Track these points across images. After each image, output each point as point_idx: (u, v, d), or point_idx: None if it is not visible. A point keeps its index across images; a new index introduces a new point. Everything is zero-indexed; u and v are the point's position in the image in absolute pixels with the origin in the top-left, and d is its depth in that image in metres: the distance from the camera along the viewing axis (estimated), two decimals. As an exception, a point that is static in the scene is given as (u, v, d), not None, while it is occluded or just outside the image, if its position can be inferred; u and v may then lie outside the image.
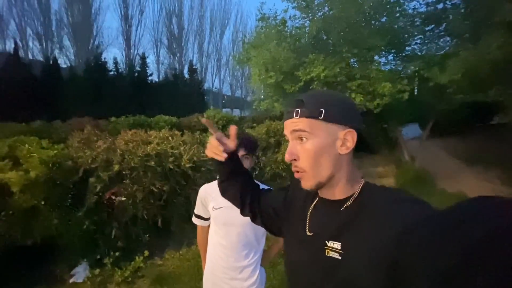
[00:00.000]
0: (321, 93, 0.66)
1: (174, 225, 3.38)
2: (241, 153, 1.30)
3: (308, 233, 0.67)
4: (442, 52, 5.51)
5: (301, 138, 0.62)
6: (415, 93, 6.50)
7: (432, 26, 5.81)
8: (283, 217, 0.80)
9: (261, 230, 1.38)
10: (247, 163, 1.33)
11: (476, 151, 6.92)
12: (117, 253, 3.02)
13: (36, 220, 2.71)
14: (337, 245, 0.58)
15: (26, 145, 2.90)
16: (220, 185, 0.92)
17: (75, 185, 2.99)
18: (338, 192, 0.65)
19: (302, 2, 5.67)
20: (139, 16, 23.43)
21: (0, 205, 2.59)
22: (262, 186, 1.34)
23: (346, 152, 0.62)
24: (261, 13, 6.02)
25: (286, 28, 5.94)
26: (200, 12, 26.60)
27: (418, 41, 6.10)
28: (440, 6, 5.60)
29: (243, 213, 0.91)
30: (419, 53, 5.91)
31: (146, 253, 3.18)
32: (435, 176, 6.23)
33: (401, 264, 0.43)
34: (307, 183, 0.64)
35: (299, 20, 6.02)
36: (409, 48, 6.15)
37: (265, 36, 5.87)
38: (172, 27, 25.04)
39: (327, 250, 0.59)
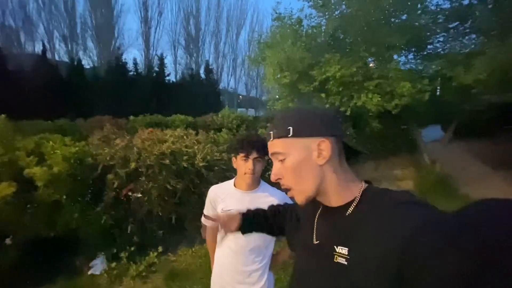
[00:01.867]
0: (289, 111, 0.68)
1: (188, 223, 3.44)
2: (253, 155, 1.27)
3: (315, 241, 0.67)
4: (467, 50, 5.26)
5: (279, 160, 0.65)
6: (438, 93, 6.23)
7: (457, 23, 5.55)
8: (294, 226, 0.84)
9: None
10: (259, 166, 1.30)
11: (503, 155, 6.51)
12: (132, 248, 3.12)
13: (58, 214, 2.85)
14: (345, 250, 0.57)
15: (51, 142, 3.05)
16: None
17: (95, 181, 3.11)
18: (334, 199, 0.64)
19: (319, 1, 5.60)
20: (158, 18, 24.10)
21: (27, 198, 2.75)
22: (281, 197, 1.34)
23: (324, 162, 0.62)
24: (276, 13, 6.00)
25: (302, 27, 5.89)
26: (217, 13, 26.94)
27: (441, 39, 5.85)
28: (466, 1, 5.35)
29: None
30: (441, 52, 5.68)
31: (160, 249, 3.25)
32: (458, 180, 5.93)
33: (408, 270, 0.42)
34: (297, 199, 0.66)
35: (315, 19, 5.95)
36: (431, 46, 5.92)
37: (280, 36, 5.85)
38: (189, 28, 25.52)
39: (336, 256, 0.59)
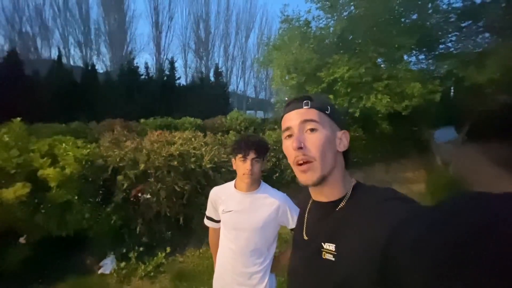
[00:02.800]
0: (324, 96, 0.70)
1: (195, 224, 3.47)
2: (251, 156, 1.27)
3: (305, 237, 0.68)
4: (480, 49, 5.11)
5: (310, 129, 0.64)
6: (451, 94, 6.08)
7: (469, 22, 5.41)
8: None
9: (272, 237, 1.35)
10: (257, 167, 1.30)
11: (519, 157, 6.27)
12: (141, 248, 3.17)
13: (70, 214, 2.93)
14: (332, 246, 0.58)
15: (63, 144, 3.15)
16: None
17: (105, 182, 3.19)
18: (333, 192, 0.65)
19: (326, 2, 5.57)
20: (168, 23, 24.52)
21: (40, 198, 2.84)
22: (281, 198, 1.33)
23: (342, 149, 0.66)
24: (284, 15, 6.01)
25: (310, 29, 5.87)
26: (226, 16, 27.18)
27: (453, 39, 5.71)
28: (479, 0, 5.20)
29: None
30: (453, 51, 5.54)
31: (168, 249, 3.29)
32: (471, 183, 5.74)
33: (391, 262, 0.43)
34: (313, 175, 0.62)
35: (323, 21, 5.93)
36: (443, 46, 5.78)
37: (288, 38, 5.85)
38: (199, 31, 25.85)
39: (323, 252, 0.60)
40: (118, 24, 22.65)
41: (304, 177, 0.63)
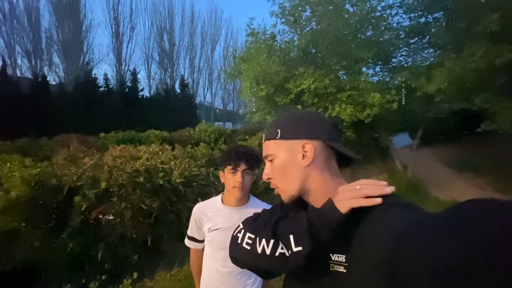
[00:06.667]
0: (282, 115, 0.73)
1: (165, 244, 3.24)
2: (241, 167, 1.20)
3: None
4: (427, 63, 5.69)
5: (269, 161, 0.70)
6: (403, 103, 6.64)
7: (416, 38, 6.03)
8: None
9: None
10: (248, 179, 1.23)
11: (465, 158, 7.02)
12: (103, 277, 2.85)
13: (16, 244, 2.55)
14: (342, 258, 0.56)
15: (8, 163, 2.78)
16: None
17: (59, 204, 2.86)
18: (320, 200, 0.62)
19: (290, 18, 5.81)
20: (130, 33, 23.63)
21: (-23, 228, 2.44)
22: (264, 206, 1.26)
23: (308, 163, 0.64)
24: (250, 28, 6.13)
25: (276, 42, 6.05)
26: (191, 29, 27.05)
27: (404, 53, 6.31)
28: (423, 19, 5.84)
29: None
30: (405, 64, 6.09)
31: (135, 275, 3.00)
32: (427, 184, 6.26)
33: (398, 269, 0.42)
34: (282, 198, 0.68)
35: (288, 35, 6.16)
36: (395, 59, 6.35)
37: (255, 50, 5.95)
38: (163, 43, 25.30)
39: (331, 264, 0.57)
40: (73, 34, 21.19)
41: (281, 197, 0.70)
